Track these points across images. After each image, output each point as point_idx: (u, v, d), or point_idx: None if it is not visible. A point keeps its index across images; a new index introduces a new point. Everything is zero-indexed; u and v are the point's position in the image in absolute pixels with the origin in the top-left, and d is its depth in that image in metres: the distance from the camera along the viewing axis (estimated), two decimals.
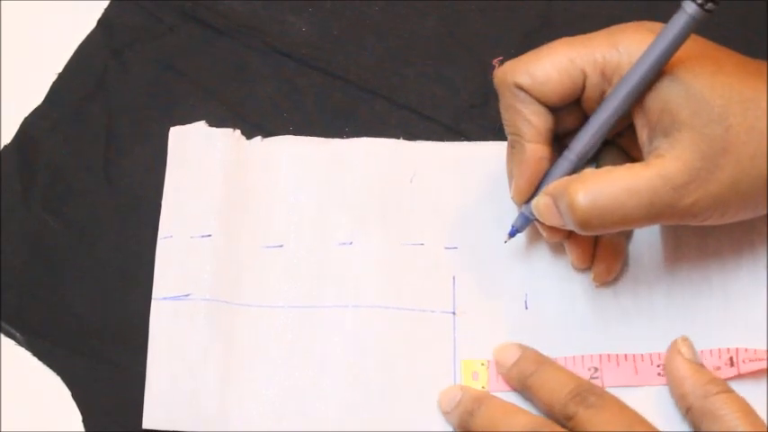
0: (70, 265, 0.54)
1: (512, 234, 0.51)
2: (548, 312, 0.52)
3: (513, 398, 0.50)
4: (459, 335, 0.52)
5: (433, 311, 0.52)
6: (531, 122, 0.48)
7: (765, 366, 0.49)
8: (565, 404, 0.47)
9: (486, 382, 0.50)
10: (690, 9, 0.44)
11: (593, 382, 0.49)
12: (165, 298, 0.52)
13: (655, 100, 0.46)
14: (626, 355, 0.50)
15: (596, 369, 0.50)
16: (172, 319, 0.52)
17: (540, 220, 0.49)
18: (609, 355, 0.50)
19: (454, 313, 0.52)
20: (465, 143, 0.56)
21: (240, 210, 0.54)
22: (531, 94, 0.48)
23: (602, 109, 0.47)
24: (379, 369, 0.51)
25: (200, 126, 0.56)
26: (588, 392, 0.47)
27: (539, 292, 0.52)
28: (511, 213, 0.52)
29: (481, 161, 0.55)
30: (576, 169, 0.48)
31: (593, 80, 0.48)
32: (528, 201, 0.50)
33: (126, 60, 0.59)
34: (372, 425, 0.50)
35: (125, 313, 0.53)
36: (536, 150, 0.48)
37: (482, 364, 0.51)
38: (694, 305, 0.51)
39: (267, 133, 0.56)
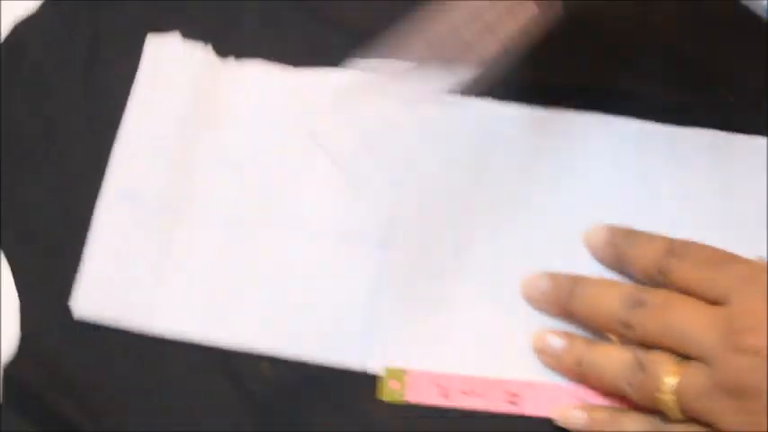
0: (34, 158, 0.55)
1: None
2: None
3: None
4: (388, 271, 0.52)
5: (369, 244, 0.53)
6: None
7: None
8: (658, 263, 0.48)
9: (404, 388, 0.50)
10: None
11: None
12: (115, 190, 0.53)
13: None
14: None
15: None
16: (117, 213, 0.53)
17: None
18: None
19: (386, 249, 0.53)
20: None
21: (203, 123, 0.55)
22: None
23: None
24: (303, 293, 0.52)
25: (175, 37, 0.57)
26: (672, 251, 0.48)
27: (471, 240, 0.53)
28: None
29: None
30: None
31: None
32: None
33: None
34: (289, 347, 0.50)
35: (79, 208, 0.54)
36: None
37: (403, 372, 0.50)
38: None
39: None
